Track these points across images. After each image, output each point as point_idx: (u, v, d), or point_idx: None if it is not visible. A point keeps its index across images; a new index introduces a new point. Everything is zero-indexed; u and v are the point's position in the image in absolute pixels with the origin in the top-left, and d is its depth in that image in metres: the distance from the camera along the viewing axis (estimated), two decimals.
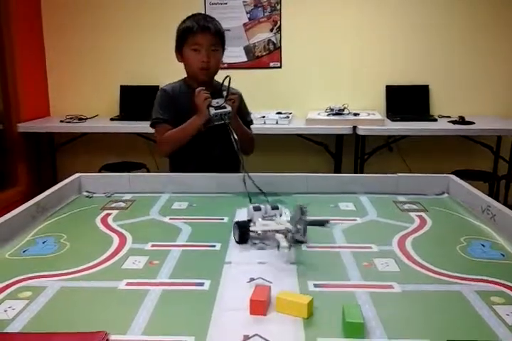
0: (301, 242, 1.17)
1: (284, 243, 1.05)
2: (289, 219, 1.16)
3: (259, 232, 1.14)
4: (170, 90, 1.86)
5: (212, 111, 1.61)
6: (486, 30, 3.73)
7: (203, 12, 3.79)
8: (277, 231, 1.12)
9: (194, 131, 1.73)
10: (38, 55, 3.94)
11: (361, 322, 0.80)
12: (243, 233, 1.17)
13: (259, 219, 1.18)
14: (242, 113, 1.85)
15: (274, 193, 1.42)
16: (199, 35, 1.75)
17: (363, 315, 0.82)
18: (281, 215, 1.21)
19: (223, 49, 1.83)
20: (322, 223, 1.20)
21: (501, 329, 0.82)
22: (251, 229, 1.15)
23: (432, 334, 0.80)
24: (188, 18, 1.82)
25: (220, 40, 1.79)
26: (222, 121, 1.61)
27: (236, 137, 1.58)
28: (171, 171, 1.90)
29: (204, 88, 1.68)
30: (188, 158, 1.85)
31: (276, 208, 1.22)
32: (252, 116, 2.08)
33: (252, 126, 2.00)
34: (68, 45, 3.95)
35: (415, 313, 0.88)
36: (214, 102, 1.63)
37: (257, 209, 1.21)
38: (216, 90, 1.71)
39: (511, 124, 3.48)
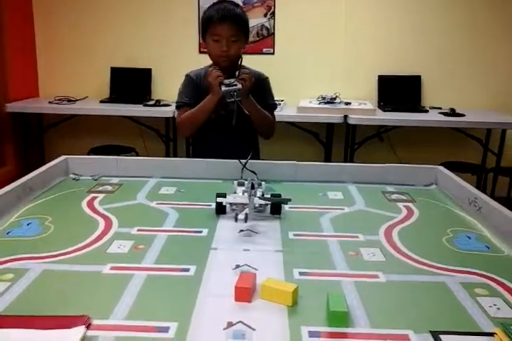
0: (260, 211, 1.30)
1: (241, 215, 1.19)
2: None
3: (224, 204, 1.27)
4: (194, 76, 1.89)
5: (223, 88, 1.65)
6: (479, 23, 3.71)
7: None
8: (237, 205, 1.24)
9: (209, 108, 1.76)
10: (28, 34, 3.87)
11: (345, 311, 0.80)
12: (217, 203, 1.28)
13: (233, 194, 1.30)
14: (264, 96, 1.89)
15: (264, 180, 1.41)
16: (219, 26, 1.74)
17: (347, 304, 0.82)
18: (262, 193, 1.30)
19: (246, 37, 1.83)
20: (283, 201, 1.28)
21: (484, 320, 0.82)
22: (217, 200, 1.26)
23: (415, 324, 0.81)
24: (211, 6, 1.81)
25: (241, 30, 1.78)
26: (233, 99, 1.64)
27: (247, 113, 1.64)
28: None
29: (217, 67, 1.74)
30: (207, 147, 1.90)
31: (260, 185, 1.34)
32: None
33: None
34: (59, 26, 3.88)
35: (399, 303, 0.88)
36: (226, 81, 1.67)
37: (240, 184, 1.37)
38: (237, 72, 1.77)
39: (501, 117, 3.50)
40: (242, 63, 1.79)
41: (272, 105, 1.96)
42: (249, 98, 1.74)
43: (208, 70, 1.77)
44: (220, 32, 1.74)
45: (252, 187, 1.23)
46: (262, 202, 1.26)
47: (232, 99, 1.64)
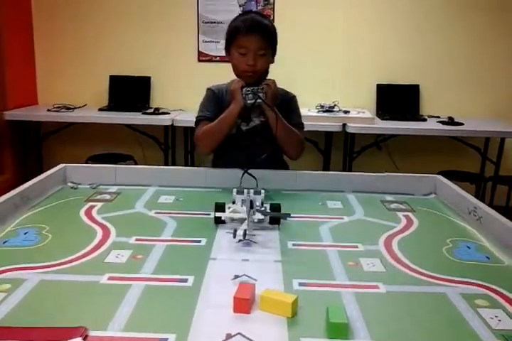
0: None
1: (240, 231, 1.15)
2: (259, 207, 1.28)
3: (223, 218, 1.28)
4: (215, 89, 1.79)
5: (245, 91, 1.58)
6: (478, 32, 3.74)
7: (202, 3, 3.75)
8: (236, 220, 1.25)
9: (231, 120, 1.65)
10: (27, 42, 3.88)
11: (345, 323, 0.79)
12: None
13: (232, 204, 1.30)
14: (291, 115, 1.77)
15: (263, 189, 1.40)
16: (246, 39, 1.64)
17: (347, 315, 0.81)
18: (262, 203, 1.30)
19: (274, 52, 1.73)
20: (282, 216, 1.27)
21: (485, 332, 0.81)
22: (216, 214, 1.27)
23: (416, 336, 0.80)
24: (238, 16, 1.73)
25: (269, 43, 1.67)
26: (254, 100, 1.57)
27: (270, 116, 1.59)
28: None
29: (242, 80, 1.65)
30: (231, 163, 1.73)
31: (259, 193, 1.31)
32: None
33: None
34: (58, 33, 3.89)
35: (400, 315, 0.88)
36: (249, 89, 1.59)
37: (239, 192, 1.32)
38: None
39: (499, 126, 3.50)
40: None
41: (299, 124, 1.81)
42: (273, 107, 1.62)
43: (229, 85, 1.69)
44: (247, 44, 1.64)
45: (251, 206, 1.21)
46: (261, 216, 1.23)
47: (254, 100, 1.57)
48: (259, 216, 1.23)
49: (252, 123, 1.73)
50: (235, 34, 1.67)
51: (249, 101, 1.58)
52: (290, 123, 1.73)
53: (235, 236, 1.15)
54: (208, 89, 1.80)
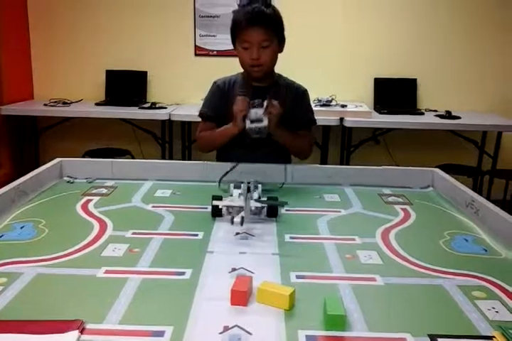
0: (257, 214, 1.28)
1: (237, 218, 1.16)
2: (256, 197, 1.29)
3: (220, 207, 1.27)
4: (221, 83, 1.74)
5: (248, 124, 1.51)
6: (475, 26, 3.73)
7: None
8: (233, 208, 1.24)
9: (228, 138, 1.64)
10: (23, 36, 3.86)
11: (343, 315, 0.79)
12: (213, 206, 1.27)
13: (229, 196, 1.29)
14: (302, 111, 1.75)
15: (260, 183, 1.40)
16: (247, 32, 1.58)
17: (344, 307, 0.81)
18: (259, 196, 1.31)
19: (280, 39, 1.65)
20: (280, 204, 1.29)
21: (482, 324, 0.81)
22: (214, 203, 1.26)
23: (413, 328, 0.80)
24: (240, 8, 1.67)
25: (273, 32, 1.60)
26: (258, 136, 1.53)
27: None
28: None
29: (246, 97, 1.56)
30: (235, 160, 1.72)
31: (256, 187, 1.33)
32: None
33: None
34: (54, 28, 3.87)
35: (397, 307, 0.88)
36: (252, 113, 1.50)
37: (236, 186, 1.33)
38: (273, 84, 1.70)
39: (497, 120, 3.51)
40: (279, 72, 1.70)
41: (310, 122, 1.79)
42: (279, 128, 1.59)
43: (238, 77, 1.68)
44: (248, 38, 1.59)
45: (248, 190, 1.22)
46: (259, 204, 1.25)
47: (258, 136, 1.53)
48: (256, 204, 1.24)
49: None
50: (236, 29, 1.63)
51: (253, 136, 1.54)
52: (301, 119, 1.72)
53: (232, 223, 1.16)
54: (214, 83, 1.77)
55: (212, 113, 1.73)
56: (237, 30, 1.62)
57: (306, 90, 1.79)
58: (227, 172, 1.51)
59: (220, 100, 1.72)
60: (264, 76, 1.68)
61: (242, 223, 1.16)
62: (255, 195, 1.28)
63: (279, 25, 1.64)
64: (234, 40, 1.66)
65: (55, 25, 3.87)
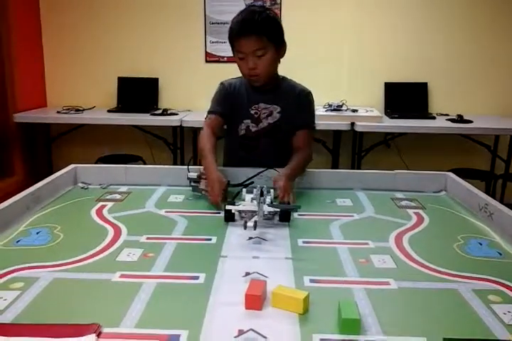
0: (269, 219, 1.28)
1: (250, 223, 1.16)
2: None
3: (233, 211, 1.27)
4: (227, 84, 1.75)
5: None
6: (486, 30, 3.71)
7: (209, 4, 3.74)
8: (246, 212, 1.26)
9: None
10: (36, 45, 3.91)
11: (357, 319, 0.79)
12: (227, 211, 1.28)
13: (242, 201, 1.30)
14: (302, 112, 1.73)
15: (272, 188, 1.41)
16: (241, 42, 1.56)
17: (359, 311, 0.81)
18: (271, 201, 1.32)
19: (277, 44, 1.61)
20: (293, 208, 1.30)
21: (498, 327, 0.81)
22: (227, 207, 1.27)
23: (428, 331, 0.80)
24: (236, 16, 1.63)
25: (267, 39, 1.56)
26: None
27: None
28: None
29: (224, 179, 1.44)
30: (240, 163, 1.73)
31: (269, 192, 1.35)
32: None
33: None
34: (66, 36, 3.92)
35: (412, 310, 0.87)
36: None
37: (249, 191, 1.37)
38: (275, 87, 1.70)
39: (509, 124, 3.47)
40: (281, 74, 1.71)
41: (308, 124, 1.74)
42: (292, 180, 1.51)
43: (243, 80, 1.69)
44: (241, 49, 1.57)
45: (261, 194, 1.22)
46: (271, 209, 1.25)
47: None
48: (269, 209, 1.24)
49: (261, 124, 1.73)
50: (230, 39, 1.61)
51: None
52: (298, 122, 1.71)
53: (245, 228, 1.16)
54: (221, 83, 1.78)
55: (219, 109, 1.72)
56: (231, 41, 1.61)
57: (309, 92, 1.77)
58: (253, 176, 1.53)
59: (225, 100, 1.73)
60: (261, 85, 1.67)
61: (255, 227, 1.16)
62: (268, 200, 1.29)
63: (273, 32, 1.60)
64: (232, 49, 1.65)
65: (67, 33, 3.91)
